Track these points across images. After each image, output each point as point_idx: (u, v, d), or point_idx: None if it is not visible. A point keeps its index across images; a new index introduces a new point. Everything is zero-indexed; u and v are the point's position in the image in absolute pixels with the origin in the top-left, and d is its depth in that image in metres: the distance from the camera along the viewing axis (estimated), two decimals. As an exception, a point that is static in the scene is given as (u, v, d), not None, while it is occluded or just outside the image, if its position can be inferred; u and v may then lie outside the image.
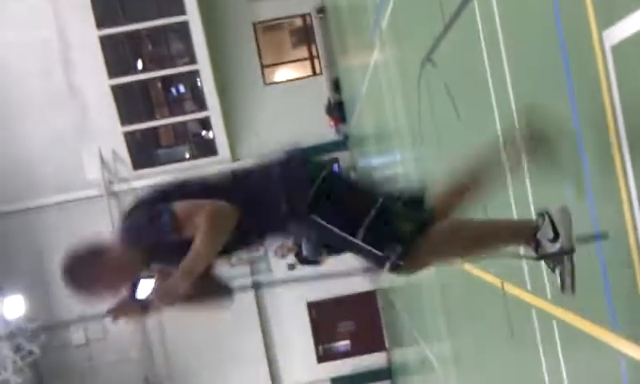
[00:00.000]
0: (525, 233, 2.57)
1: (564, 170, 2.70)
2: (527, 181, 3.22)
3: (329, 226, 2.52)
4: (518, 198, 3.47)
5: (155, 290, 2.49)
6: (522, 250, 2.81)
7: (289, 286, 15.65)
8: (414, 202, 2.65)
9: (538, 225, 2.54)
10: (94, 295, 2.55)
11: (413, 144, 7.41)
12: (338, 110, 17.61)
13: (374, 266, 2.54)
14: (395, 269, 2.51)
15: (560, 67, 2.64)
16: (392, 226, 2.52)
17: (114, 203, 17.25)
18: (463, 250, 2.65)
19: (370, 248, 2.51)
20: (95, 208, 17.15)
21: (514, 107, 3.36)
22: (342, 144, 17.83)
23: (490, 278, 4.64)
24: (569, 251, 2.51)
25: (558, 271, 2.58)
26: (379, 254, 2.50)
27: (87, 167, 17.06)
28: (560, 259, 2.52)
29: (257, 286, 17.08)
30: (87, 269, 2.53)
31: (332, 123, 17.85)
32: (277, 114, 17.60)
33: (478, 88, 3.92)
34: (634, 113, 2.21)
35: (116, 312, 2.54)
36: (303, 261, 11.64)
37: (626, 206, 2.33)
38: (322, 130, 17.71)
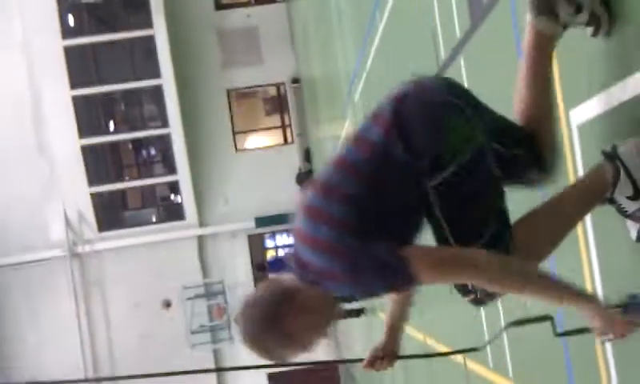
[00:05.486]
0: (600, 192, 2.13)
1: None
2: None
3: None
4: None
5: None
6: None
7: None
8: None
9: (612, 178, 2.09)
10: (303, 346, 2.07)
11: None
12: (308, 180, 17.66)
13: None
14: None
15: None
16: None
17: (77, 265, 16.94)
18: (556, 232, 2.15)
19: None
20: (55, 269, 16.83)
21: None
22: (310, 214, 17.81)
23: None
24: None
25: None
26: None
27: (51, 227, 16.80)
28: None
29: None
30: (290, 319, 2.04)
31: (301, 193, 17.87)
32: (247, 181, 17.59)
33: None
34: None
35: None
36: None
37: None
38: (292, 199, 17.67)
